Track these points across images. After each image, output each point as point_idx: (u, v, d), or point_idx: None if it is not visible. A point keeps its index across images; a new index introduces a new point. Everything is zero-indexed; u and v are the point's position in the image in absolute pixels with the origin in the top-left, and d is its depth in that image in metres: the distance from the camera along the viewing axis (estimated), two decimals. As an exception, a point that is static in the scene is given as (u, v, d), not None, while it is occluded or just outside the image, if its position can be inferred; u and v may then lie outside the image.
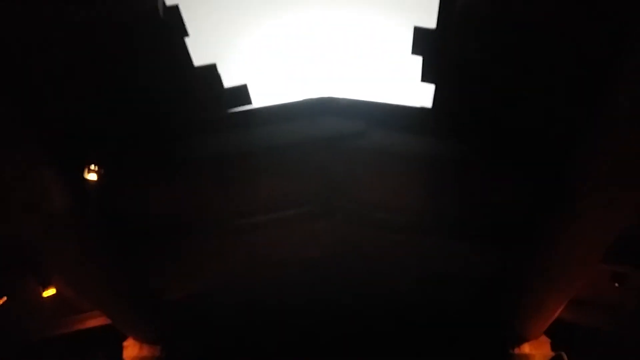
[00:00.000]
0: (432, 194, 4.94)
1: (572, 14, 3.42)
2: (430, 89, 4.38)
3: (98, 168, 4.51)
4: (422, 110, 4.65)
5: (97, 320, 6.60)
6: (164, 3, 3.72)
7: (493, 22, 3.54)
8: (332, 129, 4.85)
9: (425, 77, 4.18)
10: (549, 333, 6.21)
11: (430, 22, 3.89)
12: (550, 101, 4.00)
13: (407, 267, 6.17)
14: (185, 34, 3.87)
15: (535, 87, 3.95)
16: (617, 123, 3.45)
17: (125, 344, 6.65)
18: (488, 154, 4.57)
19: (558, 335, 6.22)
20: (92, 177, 4.51)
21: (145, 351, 6.63)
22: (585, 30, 3.49)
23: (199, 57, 4.23)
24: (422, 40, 3.93)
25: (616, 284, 5.24)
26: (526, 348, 6.26)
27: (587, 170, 3.85)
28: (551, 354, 6.17)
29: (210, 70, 4.23)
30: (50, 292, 5.58)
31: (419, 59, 4.13)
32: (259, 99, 4.89)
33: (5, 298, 5.86)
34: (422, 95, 5.04)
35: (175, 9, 3.76)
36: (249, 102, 4.56)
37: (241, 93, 4.50)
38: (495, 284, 5.90)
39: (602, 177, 3.70)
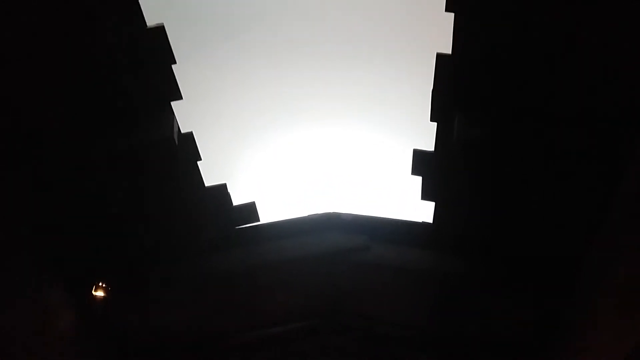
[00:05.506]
0: (436, 310, 4.99)
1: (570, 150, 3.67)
2: (431, 205, 4.55)
3: (105, 285, 4.61)
4: (424, 225, 4.79)
5: None
6: (179, 130, 3.97)
7: (489, 149, 3.78)
8: (337, 244, 4.98)
9: (425, 196, 4.36)
10: None
11: (430, 144, 4.13)
12: (555, 225, 4.15)
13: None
14: (198, 158, 4.10)
15: (536, 212, 4.12)
16: (621, 252, 3.60)
17: None
18: (491, 271, 4.67)
19: None
20: (99, 294, 4.60)
21: None
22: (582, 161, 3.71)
23: (208, 176, 4.46)
24: (421, 163, 4.14)
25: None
26: None
27: (595, 294, 3.94)
28: None
29: (221, 190, 4.44)
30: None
31: (419, 177, 4.34)
32: (267, 214, 5.07)
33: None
34: (425, 211, 5.21)
35: (190, 135, 4.02)
36: (257, 219, 4.73)
37: (250, 210, 4.68)
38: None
39: (610, 302, 3.77)
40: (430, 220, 4.62)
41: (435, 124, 3.88)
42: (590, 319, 4.04)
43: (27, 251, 4.16)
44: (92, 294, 4.59)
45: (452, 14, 3.26)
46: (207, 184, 4.35)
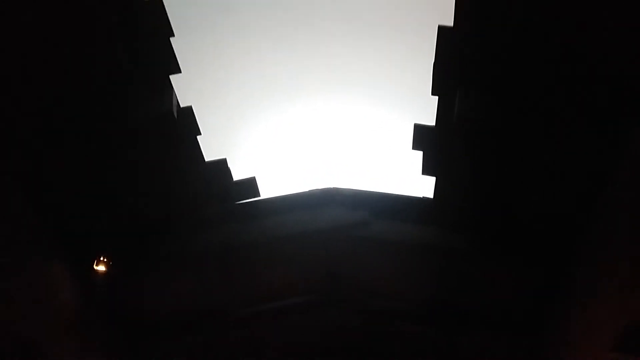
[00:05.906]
0: (437, 283, 5.01)
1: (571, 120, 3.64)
2: (431, 180, 4.54)
3: (107, 260, 4.61)
4: (424, 200, 4.78)
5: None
6: (178, 104, 3.94)
7: (490, 124, 3.76)
8: (337, 219, 4.98)
9: (425, 171, 4.34)
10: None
11: (430, 118, 4.10)
12: (554, 195, 4.14)
13: (417, 356, 6.12)
14: (198, 132, 4.08)
15: (535, 187, 4.11)
16: (618, 218, 3.59)
17: None
18: (491, 243, 4.67)
19: None
20: (100, 268, 4.61)
21: None
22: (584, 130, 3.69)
23: (208, 151, 4.44)
24: (422, 137, 4.12)
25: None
26: None
27: (595, 268, 3.95)
28: None
29: (221, 165, 4.42)
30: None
31: (420, 152, 4.32)
32: (267, 190, 5.06)
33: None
34: (425, 186, 5.21)
35: (189, 109, 3.98)
36: (257, 194, 4.72)
37: (250, 185, 4.66)
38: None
39: (611, 275, 3.77)
40: (431, 196, 4.61)
41: (437, 98, 3.85)
42: (590, 291, 4.06)
43: (29, 229, 4.15)
44: (93, 270, 4.60)
45: (455, -14, 3.22)
46: (207, 159, 4.34)
